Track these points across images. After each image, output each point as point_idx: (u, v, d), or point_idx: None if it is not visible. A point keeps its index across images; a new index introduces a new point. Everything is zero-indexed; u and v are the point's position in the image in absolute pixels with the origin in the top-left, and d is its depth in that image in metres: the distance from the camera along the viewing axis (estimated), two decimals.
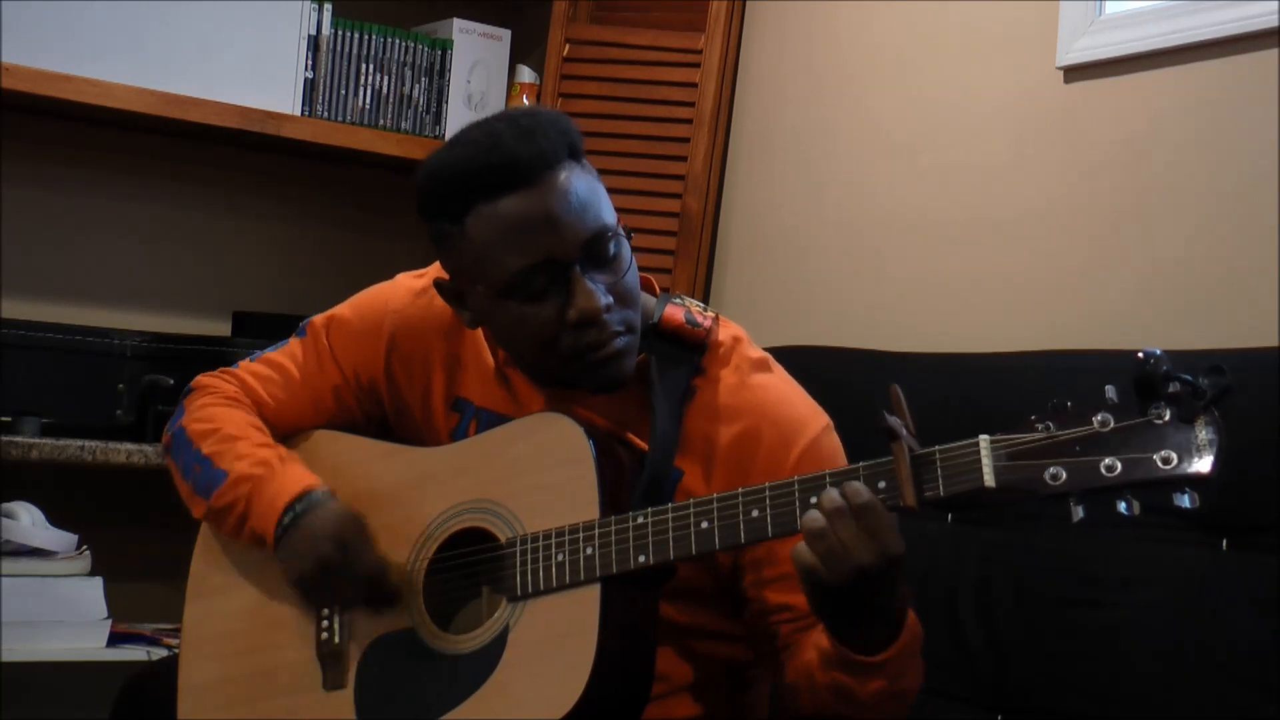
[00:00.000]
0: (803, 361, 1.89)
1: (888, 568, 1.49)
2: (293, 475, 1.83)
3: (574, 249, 1.70)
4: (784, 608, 1.74)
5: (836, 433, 1.82)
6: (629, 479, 1.72)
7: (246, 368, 1.96)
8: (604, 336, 1.71)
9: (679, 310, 1.81)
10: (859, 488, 1.51)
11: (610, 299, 1.71)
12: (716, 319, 1.84)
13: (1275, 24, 2.23)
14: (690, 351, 1.80)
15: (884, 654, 1.57)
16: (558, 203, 1.69)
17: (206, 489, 1.86)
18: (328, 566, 1.76)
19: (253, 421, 1.91)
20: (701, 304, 1.85)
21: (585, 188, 1.72)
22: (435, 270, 1.91)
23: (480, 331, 1.87)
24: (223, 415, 1.91)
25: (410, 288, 1.93)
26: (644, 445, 1.76)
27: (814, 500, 1.54)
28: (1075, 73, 2.53)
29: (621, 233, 1.74)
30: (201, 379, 1.98)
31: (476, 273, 1.74)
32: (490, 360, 1.87)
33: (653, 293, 1.86)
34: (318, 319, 1.96)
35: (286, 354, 1.96)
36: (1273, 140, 2.23)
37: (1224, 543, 1.97)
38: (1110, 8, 2.51)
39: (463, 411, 1.88)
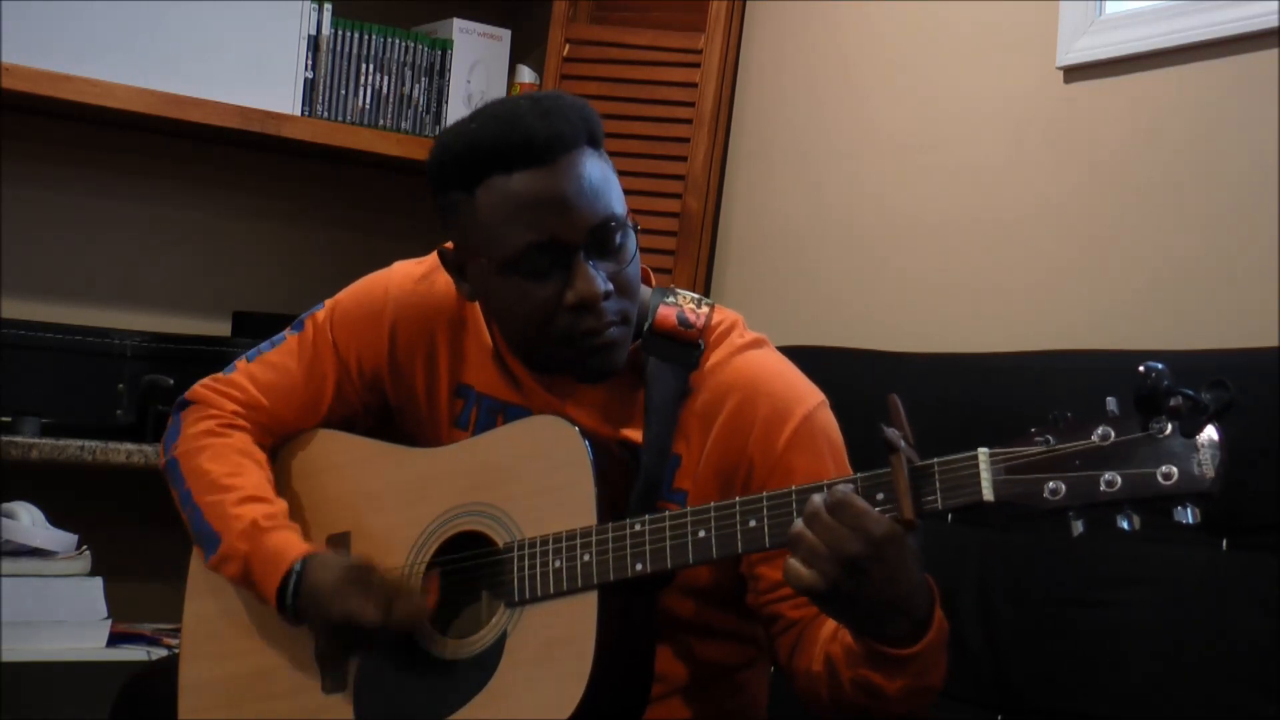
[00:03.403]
0: (803, 361, 1.88)
1: (877, 552, 1.48)
2: (277, 545, 1.79)
3: (580, 233, 1.70)
4: (783, 584, 1.73)
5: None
6: (626, 482, 1.73)
7: (245, 370, 1.95)
8: (599, 324, 1.72)
9: (672, 310, 1.81)
10: (837, 489, 1.51)
11: (610, 287, 1.72)
12: (712, 310, 1.83)
13: (1275, 24, 2.23)
14: (686, 348, 1.80)
15: (912, 648, 1.56)
16: (570, 185, 1.70)
17: (201, 538, 1.86)
18: (344, 615, 1.73)
19: (245, 450, 1.89)
20: (696, 296, 1.85)
21: (599, 175, 1.73)
22: (433, 259, 1.91)
23: (480, 318, 1.87)
24: (215, 451, 1.88)
25: (409, 274, 1.93)
26: (641, 439, 1.77)
27: None
28: (1075, 73, 2.53)
29: (629, 225, 1.75)
30: (199, 392, 1.95)
31: (481, 244, 1.74)
32: (490, 346, 1.87)
33: (649, 284, 1.86)
34: (317, 313, 1.95)
35: (285, 351, 1.94)
36: (1273, 140, 2.23)
37: (1224, 543, 1.97)
38: (1110, 8, 2.51)
39: (466, 398, 1.88)
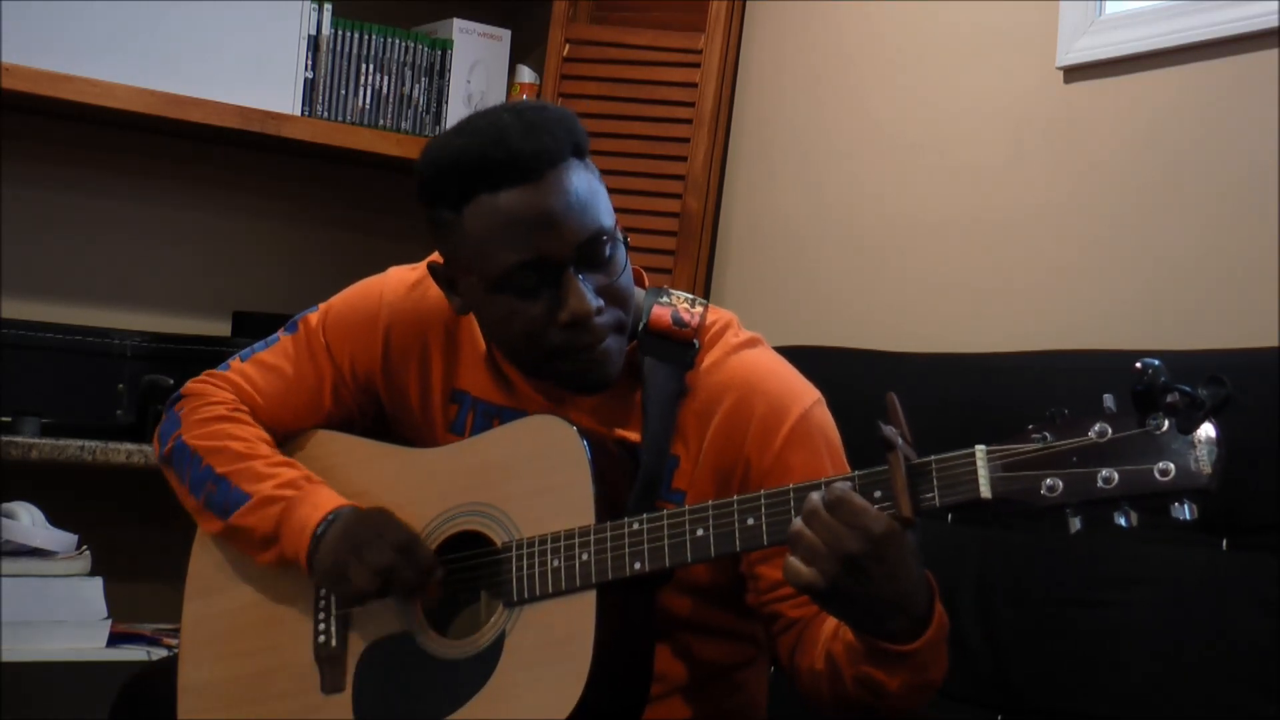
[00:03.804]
0: (803, 361, 1.88)
1: (876, 550, 1.48)
2: (323, 496, 1.80)
3: (569, 249, 1.70)
4: (783, 583, 1.72)
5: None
6: (625, 481, 1.72)
7: (238, 369, 1.94)
8: (593, 339, 1.72)
9: (666, 311, 1.81)
10: (835, 486, 1.51)
11: (600, 302, 1.71)
12: (706, 309, 1.83)
13: (1275, 24, 2.23)
14: (681, 348, 1.80)
15: (913, 644, 1.56)
16: (557, 202, 1.69)
17: (223, 508, 1.84)
18: (358, 547, 1.72)
19: (260, 435, 1.89)
20: (690, 296, 1.85)
21: (585, 188, 1.72)
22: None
23: (474, 322, 1.87)
24: (229, 430, 1.88)
25: (404, 279, 1.93)
26: (639, 439, 1.77)
27: None
28: (1075, 73, 2.53)
29: (618, 236, 1.74)
30: (193, 386, 1.95)
31: (470, 263, 1.74)
32: (484, 351, 1.86)
33: (641, 285, 1.85)
34: (311, 315, 1.95)
35: (279, 352, 1.94)
36: (1273, 140, 2.23)
37: (1224, 543, 1.97)
38: (1110, 8, 2.51)
39: (461, 403, 1.88)
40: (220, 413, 1.90)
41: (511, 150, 1.69)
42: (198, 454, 1.87)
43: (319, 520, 1.77)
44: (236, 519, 1.82)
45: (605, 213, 1.74)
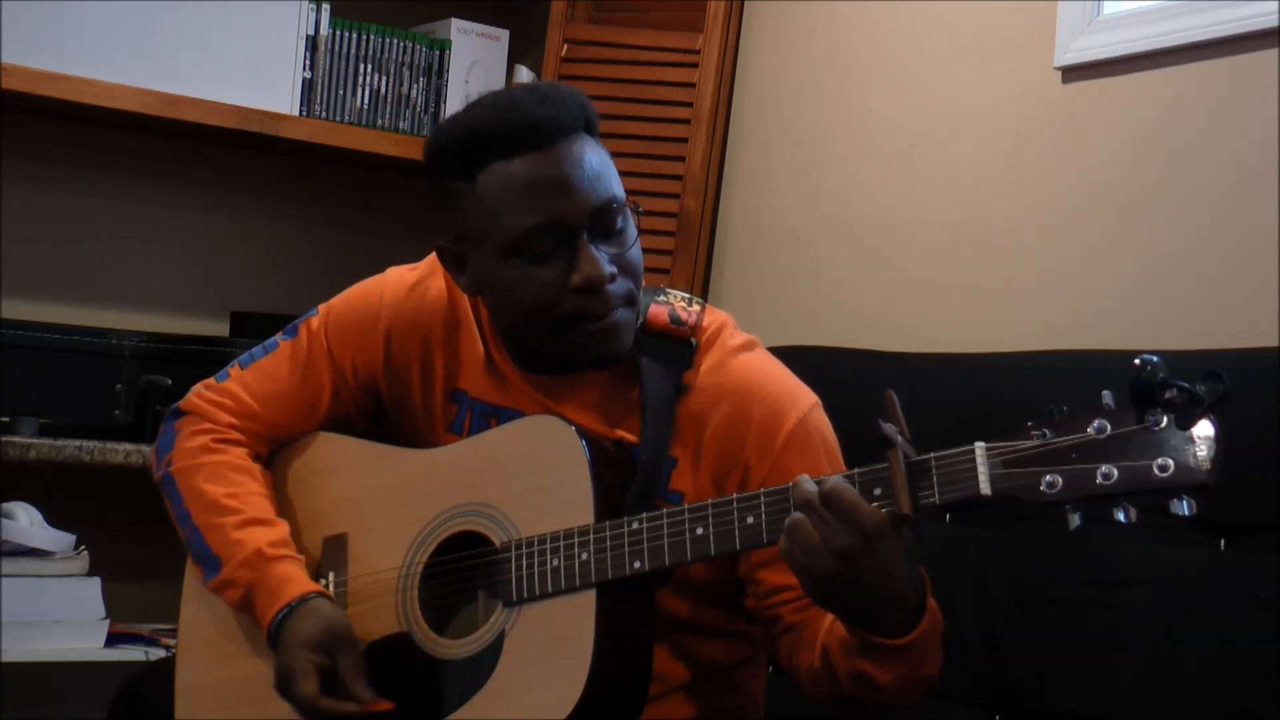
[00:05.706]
0: (802, 362, 1.89)
1: (867, 544, 1.49)
2: (282, 577, 1.79)
3: (583, 215, 1.71)
4: (783, 588, 1.74)
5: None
6: (623, 480, 1.73)
7: (238, 378, 1.94)
8: (604, 306, 1.72)
9: (663, 309, 1.82)
10: (828, 479, 1.51)
11: (614, 269, 1.72)
12: (703, 309, 1.84)
13: (1275, 24, 2.23)
14: (678, 347, 1.80)
15: (905, 639, 1.56)
16: (571, 168, 1.71)
17: (200, 560, 1.85)
18: (290, 672, 1.74)
19: (242, 468, 1.89)
20: (687, 295, 1.85)
21: (598, 159, 1.74)
22: (427, 264, 1.92)
23: (473, 323, 1.88)
24: (213, 469, 1.88)
25: (403, 280, 1.93)
26: (636, 440, 1.77)
27: None
28: (1074, 73, 2.53)
29: (629, 208, 1.76)
30: (194, 402, 1.95)
31: (482, 232, 1.75)
32: (481, 351, 1.87)
33: None
34: (311, 318, 1.95)
35: (279, 358, 1.94)
36: (1273, 140, 2.23)
37: (1222, 542, 1.97)
38: (1109, 8, 2.51)
39: (460, 403, 1.88)
40: (207, 443, 1.90)
41: (526, 117, 1.71)
42: (181, 492, 1.89)
43: (273, 615, 1.77)
44: (211, 584, 1.84)
45: (617, 185, 1.76)
